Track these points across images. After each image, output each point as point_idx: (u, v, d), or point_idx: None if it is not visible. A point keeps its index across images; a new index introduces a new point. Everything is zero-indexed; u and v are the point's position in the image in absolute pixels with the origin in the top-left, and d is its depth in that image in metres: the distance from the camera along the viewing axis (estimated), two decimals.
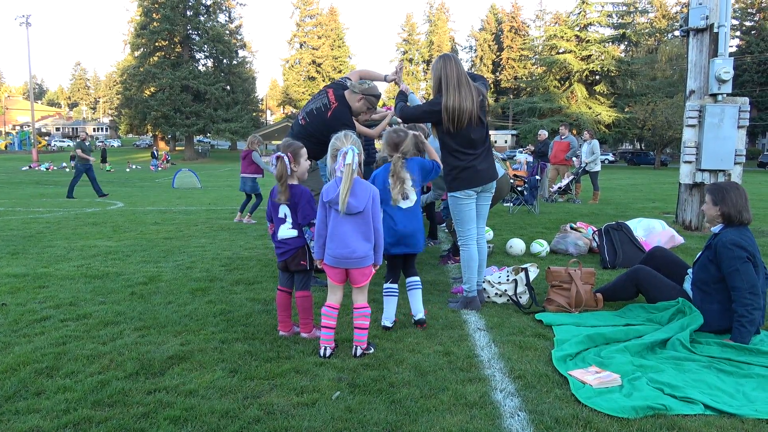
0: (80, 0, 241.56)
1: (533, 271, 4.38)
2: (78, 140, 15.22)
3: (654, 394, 2.65)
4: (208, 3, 52.23)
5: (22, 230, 8.29)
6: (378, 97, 4.80)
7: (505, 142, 61.29)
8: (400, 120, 5.32)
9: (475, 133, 4.03)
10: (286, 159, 3.34)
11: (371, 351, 3.22)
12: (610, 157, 51.60)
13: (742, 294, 3.29)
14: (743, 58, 47.22)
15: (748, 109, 7.49)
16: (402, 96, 4.38)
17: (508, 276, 4.34)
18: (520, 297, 4.25)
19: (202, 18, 51.90)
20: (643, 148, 55.99)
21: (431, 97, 4.14)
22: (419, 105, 4.20)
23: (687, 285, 3.79)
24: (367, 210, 3.20)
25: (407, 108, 4.23)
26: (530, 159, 12.68)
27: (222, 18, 54.19)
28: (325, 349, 3.17)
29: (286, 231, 3.43)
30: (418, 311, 3.70)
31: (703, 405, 2.52)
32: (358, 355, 3.16)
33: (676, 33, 51.47)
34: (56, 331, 3.50)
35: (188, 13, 51.05)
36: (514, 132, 59.06)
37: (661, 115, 39.37)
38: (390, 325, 3.66)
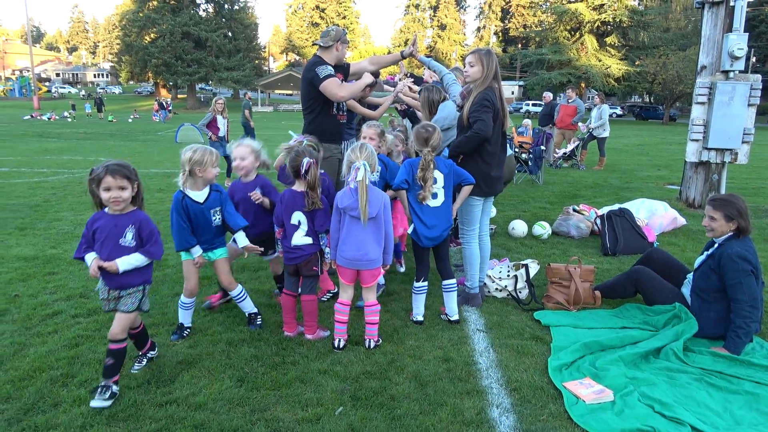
0: None
1: (533, 267, 4.45)
2: (244, 100, 16.04)
3: (644, 412, 2.76)
4: None
5: (28, 197, 8.37)
6: (345, 32, 4.78)
7: (512, 93, 60.25)
8: (404, 99, 5.28)
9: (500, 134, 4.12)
10: (315, 167, 3.38)
11: (380, 342, 3.48)
12: (618, 111, 50.76)
13: (742, 306, 3.35)
14: (761, 8, 45.60)
15: (760, 86, 7.34)
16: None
17: (509, 272, 4.41)
18: (520, 292, 4.33)
19: None
20: (652, 101, 54.99)
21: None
22: (486, 114, 3.88)
23: (685, 289, 3.85)
24: (379, 215, 3.37)
25: (482, 126, 3.89)
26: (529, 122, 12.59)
27: None
28: (339, 341, 3.43)
29: (301, 238, 3.48)
30: (453, 312, 3.87)
31: (691, 427, 2.63)
32: (371, 347, 3.42)
33: None
34: (68, 330, 3.61)
35: None
36: (522, 83, 57.95)
37: (672, 68, 38.42)
38: (421, 319, 3.85)
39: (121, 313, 2.87)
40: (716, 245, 3.58)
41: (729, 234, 3.52)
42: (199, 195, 3.39)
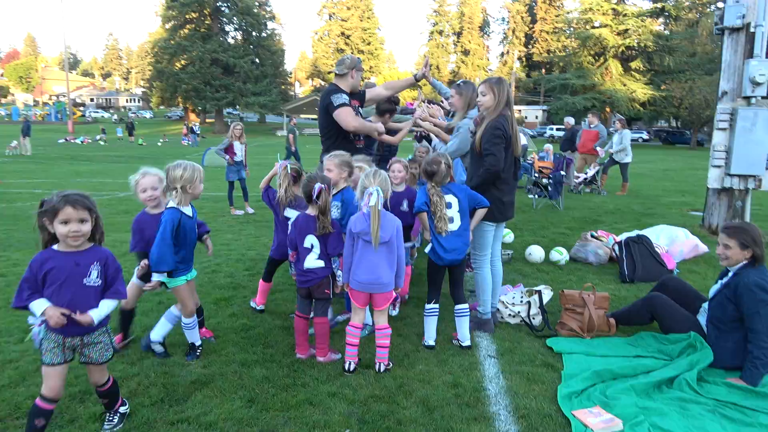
0: None
1: (547, 294, 4.44)
2: (289, 125, 16.39)
3: None
4: None
5: None
6: (360, 60, 5.00)
7: (536, 117, 60.26)
8: (423, 125, 5.37)
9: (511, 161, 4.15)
10: (326, 192, 3.48)
11: (391, 366, 3.50)
12: (645, 136, 50.23)
13: (760, 337, 3.30)
14: None
15: None
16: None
17: (522, 298, 4.40)
18: (533, 319, 4.32)
19: None
20: (679, 126, 54.33)
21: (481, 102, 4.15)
22: (497, 147, 3.94)
23: (701, 318, 3.80)
24: (392, 239, 3.45)
25: (493, 161, 3.94)
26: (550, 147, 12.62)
27: None
28: (350, 363, 3.47)
29: (314, 261, 3.56)
30: (465, 338, 3.89)
31: None
32: (381, 370, 3.45)
33: (720, 4, 49.11)
34: None
35: None
36: (546, 108, 57.89)
37: (699, 93, 38.04)
38: (433, 344, 3.87)
39: (95, 365, 2.62)
40: (731, 274, 3.54)
41: (744, 262, 3.48)
42: (189, 210, 3.43)
